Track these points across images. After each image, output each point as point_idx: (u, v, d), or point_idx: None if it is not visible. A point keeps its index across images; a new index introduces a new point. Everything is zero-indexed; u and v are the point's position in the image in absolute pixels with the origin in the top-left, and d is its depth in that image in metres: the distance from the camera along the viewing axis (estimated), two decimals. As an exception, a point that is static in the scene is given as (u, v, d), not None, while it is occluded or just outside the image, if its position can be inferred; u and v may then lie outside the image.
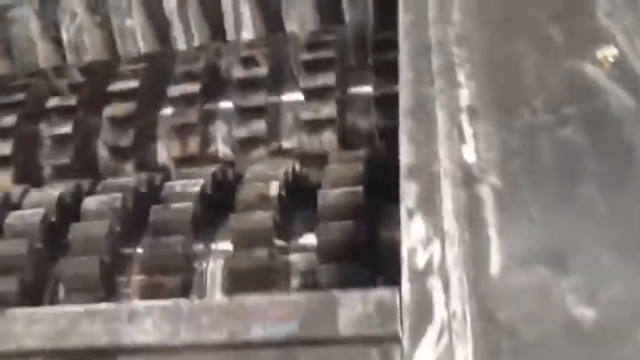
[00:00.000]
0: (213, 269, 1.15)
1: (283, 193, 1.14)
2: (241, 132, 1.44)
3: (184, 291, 1.07)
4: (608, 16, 0.97)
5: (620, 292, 0.65)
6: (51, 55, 1.80)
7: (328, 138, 1.40)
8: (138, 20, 1.71)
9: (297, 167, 1.36)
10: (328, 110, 1.39)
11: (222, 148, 1.52)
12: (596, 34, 0.95)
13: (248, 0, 1.66)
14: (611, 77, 0.87)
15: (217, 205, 1.23)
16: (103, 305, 0.79)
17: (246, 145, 1.45)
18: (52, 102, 1.53)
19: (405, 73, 0.96)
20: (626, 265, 0.68)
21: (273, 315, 0.70)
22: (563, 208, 0.74)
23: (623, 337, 0.62)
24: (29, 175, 1.49)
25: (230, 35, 1.68)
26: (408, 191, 0.79)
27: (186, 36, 1.70)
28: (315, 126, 1.40)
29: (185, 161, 1.48)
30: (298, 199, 1.21)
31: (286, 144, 1.47)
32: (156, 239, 1.10)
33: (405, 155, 0.84)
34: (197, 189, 1.18)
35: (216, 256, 1.16)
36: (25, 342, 0.78)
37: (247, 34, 1.67)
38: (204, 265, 1.15)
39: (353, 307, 0.70)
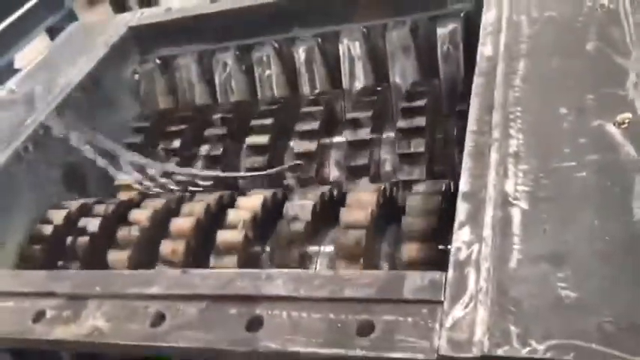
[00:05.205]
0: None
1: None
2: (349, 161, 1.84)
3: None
4: (634, 87, 1.26)
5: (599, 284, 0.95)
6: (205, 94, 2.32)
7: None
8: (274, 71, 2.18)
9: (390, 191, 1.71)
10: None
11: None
12: (622, 101, 1.24)
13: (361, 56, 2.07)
14: (625, 135, 1.17)
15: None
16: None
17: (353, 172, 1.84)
18: (208, 132, 2.03)
19: (471, 125, 1.29)
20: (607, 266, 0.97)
21: (359, 282, 1.07)
22: (569, 226, 1.05)
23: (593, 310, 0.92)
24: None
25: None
26: (462, 210, 1.13)
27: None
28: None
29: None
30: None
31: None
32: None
33: (463, 185, 1.18)
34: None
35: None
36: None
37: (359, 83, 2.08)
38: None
39: (414, 281, 1.05)
